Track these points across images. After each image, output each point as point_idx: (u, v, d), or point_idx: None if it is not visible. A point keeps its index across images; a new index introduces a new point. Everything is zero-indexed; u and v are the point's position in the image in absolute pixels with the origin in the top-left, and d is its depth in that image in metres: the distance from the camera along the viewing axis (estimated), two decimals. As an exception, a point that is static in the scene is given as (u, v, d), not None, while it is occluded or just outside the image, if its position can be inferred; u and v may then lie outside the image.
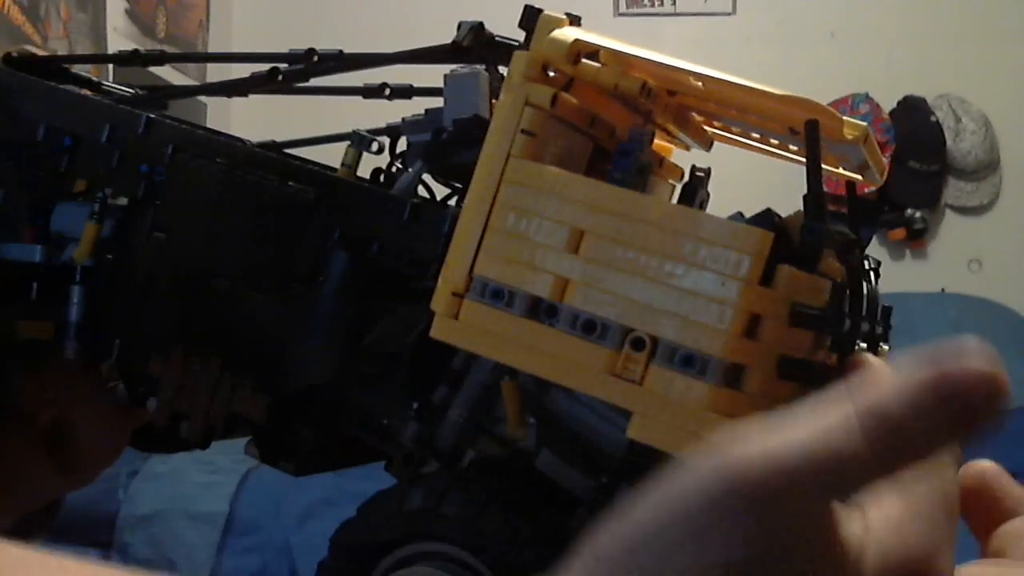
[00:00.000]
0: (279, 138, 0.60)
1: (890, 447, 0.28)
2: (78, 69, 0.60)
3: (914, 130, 3.02)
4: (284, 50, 0.56)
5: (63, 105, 0.52)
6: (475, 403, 0.45)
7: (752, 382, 0.35)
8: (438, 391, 0.45)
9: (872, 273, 0.42)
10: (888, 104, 3.05)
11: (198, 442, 0.50)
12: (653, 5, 3.17)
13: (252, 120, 1.69)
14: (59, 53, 2.25)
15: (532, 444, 0.44)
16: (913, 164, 3.00)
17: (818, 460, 0.28)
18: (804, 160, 0.36)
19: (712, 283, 0.35)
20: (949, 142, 3.04)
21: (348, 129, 0.50)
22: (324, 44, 0.55)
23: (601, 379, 0.37)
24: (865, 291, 0.39)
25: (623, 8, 3.17)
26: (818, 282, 0.36)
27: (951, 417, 0.27)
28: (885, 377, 0.37)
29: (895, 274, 3.04)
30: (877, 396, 0.28)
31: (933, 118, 3.04)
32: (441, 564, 0.42)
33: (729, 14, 3.16)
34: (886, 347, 0.44)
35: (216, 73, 2.53)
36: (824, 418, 0.29)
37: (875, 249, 3.03)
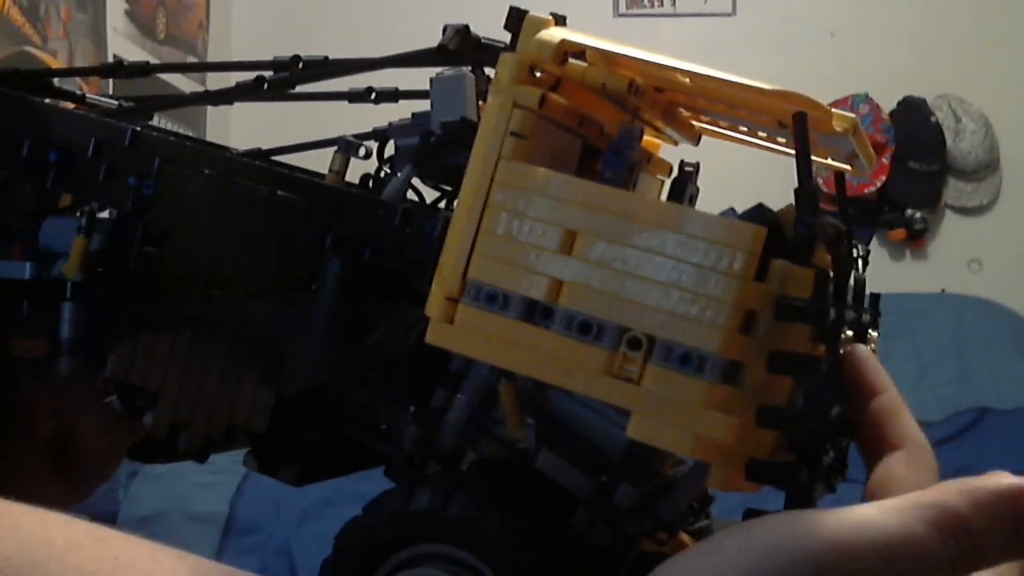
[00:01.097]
0: (277, 142, 0.60)
1: (964, 553, 0.30)
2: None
3: (914, 130, 3.02)
4: (283, 51, 0.56)
5: (48, 120, 0.51)
6: (475, 405, 0.45)
7: (750, 378, 0.35)
8: (437, 394, 0.45)
9: (860, 261, 0.42)
10: (888, 105, 3.06)
11: (197, 454, 0.49)
12: (653, 6, 3.17)
13: (252, 125, 1.70)
14: (59, 54, 2.25)
15: (532, 445, 0.44)
16: (913, 164, 3.01)
17: (895, 558, 0.30)
18: (792, 152, 0.36)
19: (707, 280, 0.35)
20: (949, 142, 3.04)
21: (338, 134, 0.50)
22: (323, 43, 0.55)
23: (599, 380, 0.37)
24: (852, 279, 0.39)
25: (623, 9, 3.17)
26: (804, 272, 0.36)
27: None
28: (879, 374, 0.38)
29: (895, 274, 3.04)
30: (955, 500, 0.31)
31: (933, 118, 3.04)
32: (444, 565, 0.42)
33: (729, 15, 3.17)
34: (875, 334, 0.44)
35: (217, 76, 2.54)
36: (900, 514, 0.31)
37: (875, 249, 3.03)
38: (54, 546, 0.30)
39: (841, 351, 0.37)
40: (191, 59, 2.96)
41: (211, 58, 3.03)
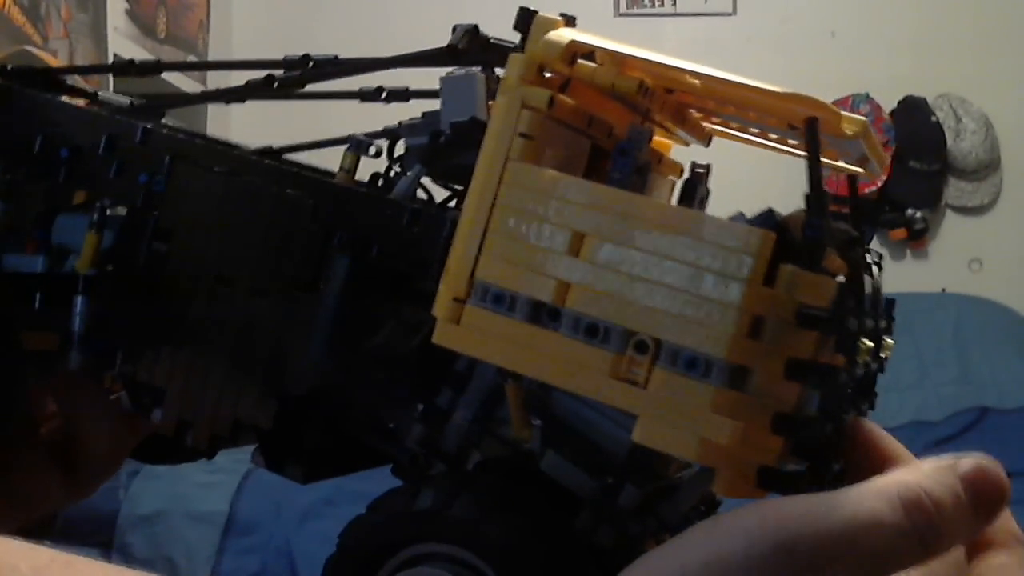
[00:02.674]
0: (278, 140, 0.60)
1: (933, 527, 0.31)
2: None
3: (915, 130, 3.02)
4: (284, 51, 0.56)
5: (60, 117, 0.51)
6: (480, 405, 0.45)
7: (757, 383, 0.35)
8: (443, 393, 0.45)
9: (875, 267, 0.42)
10: (889, 104, 3.05)
11: (204, 451, 0.50)
12: (653, 5, 3.17)
13: (252, 123, 1.69)
14: (59, 53, 2.25)
15: (537, 446, 0.44)
16: (914, 164, 3.00)
17: (860, 537, 0.31)
18: (804, 154, 0.36)
19: (714, 284, 0.35)
20: (950, 142, 3.04)
21: (346, 133, 0.50)
22: (324, 43, 0.55)
23: (605, 383, 0.37)
24: (868, 286, 0.39)
25: (623, 8, 3.17)
26: (822, 281, 0.35)
27: (983, 508, 0.32)
28: (892, 443, 0.38)
29: (895, 274, 3.04)
30: (919, 482, 0.32)
31: (934, 118, 3.04)
32: (446, 565, 0.42)
33: (729, 14, 3.16)
34: (890, 341, 0.44)
35: (216, 75, 2.53)
36: (869, 497, 0.32)
37: (875, 249, 3.02)
38: (19, 572, 0.31)
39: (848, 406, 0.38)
40: (192, 58, 2.95)
41: (211, 58, 3.02)
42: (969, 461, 0.33)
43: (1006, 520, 0.37)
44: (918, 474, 0.33)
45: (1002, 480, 0.33)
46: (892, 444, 0.38)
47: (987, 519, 0.33)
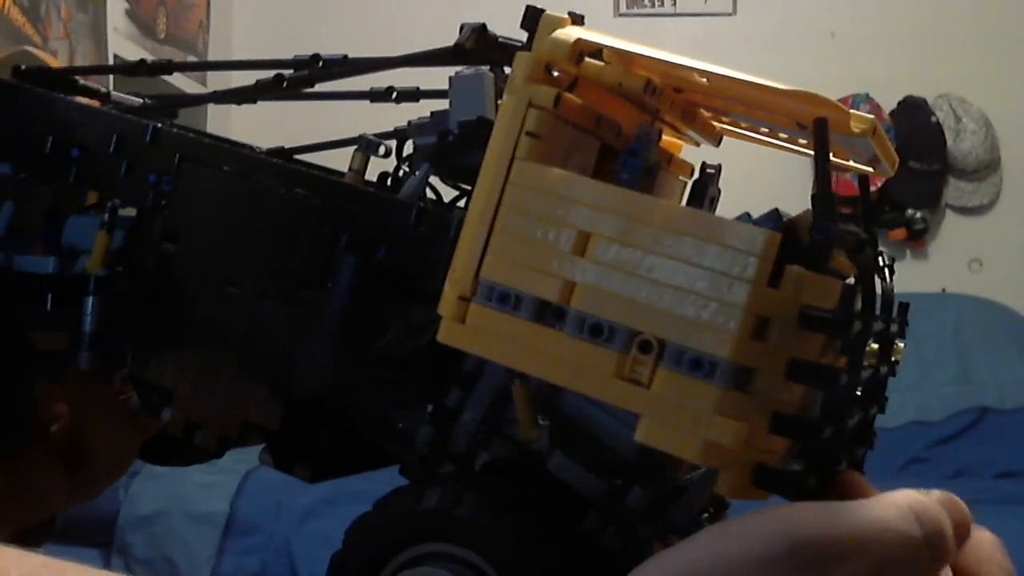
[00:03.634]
0: (278, 141, 0.60)
1: (942, 542, 0.33)
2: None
3: (915, 130, 3.02)
4: (284, 51, 0.56)
5: (71, 116, 0.51)
6: (488, 405, 0.45)
7: (761, 385, 0.35)
8: (451, 394, 0.45)
9: (887, 270, 0.42)
10: (889, 104, 3.05)
11: (212, 451, 0.50)
12: (653, 5, 3.17)
13: (252, 123, 1.69)
14: (59, 53, 2.25)
15: (545, 446, 0.43)
16: (914, 164, 3.00)
17: (872, 543, 0.32)
18: (813, 154, 0.36)
19: (719, 285, 0.35)
20: (950, 142, 3.04)
21: (347, 133, 0.50)
22: (324, 43, 0.55)
23: (608, 382, 0.37)
24: (879, 289, 0.39)
25: (623, 8, 3.17)
26: (828, 282, 0.35)
27: (957, 532, 0.34)
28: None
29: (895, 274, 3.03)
30: (931, 504, 0.34)
31: (933, 118, 3.04)
32: (450, 565, 0.42)
33: (729, 14, 3.16)
34: (901, 344, 0.44)
35: (216, 76, 2.53)
36: (881, 507, 0.33)
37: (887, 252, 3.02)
38: None
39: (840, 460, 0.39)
40: (191, 59, 2.95)
41: (211, 58, 3.02)
42: (937, 492, 0.35)
43: (996, 553, 0.38)
44: (919, 493, 0.34)
45: (966, 508, 0.35)
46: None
47: (961, 543, 0.35)
